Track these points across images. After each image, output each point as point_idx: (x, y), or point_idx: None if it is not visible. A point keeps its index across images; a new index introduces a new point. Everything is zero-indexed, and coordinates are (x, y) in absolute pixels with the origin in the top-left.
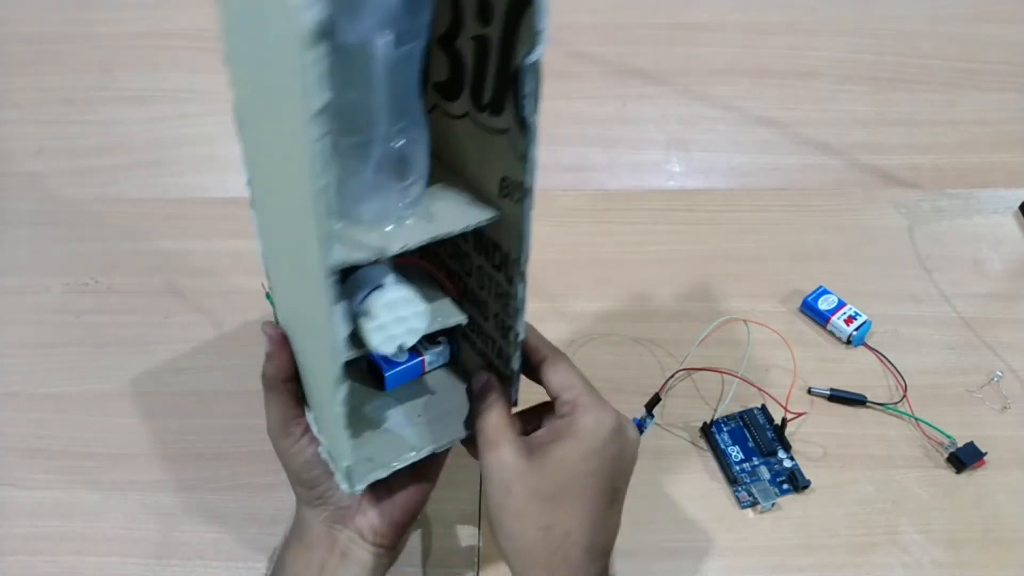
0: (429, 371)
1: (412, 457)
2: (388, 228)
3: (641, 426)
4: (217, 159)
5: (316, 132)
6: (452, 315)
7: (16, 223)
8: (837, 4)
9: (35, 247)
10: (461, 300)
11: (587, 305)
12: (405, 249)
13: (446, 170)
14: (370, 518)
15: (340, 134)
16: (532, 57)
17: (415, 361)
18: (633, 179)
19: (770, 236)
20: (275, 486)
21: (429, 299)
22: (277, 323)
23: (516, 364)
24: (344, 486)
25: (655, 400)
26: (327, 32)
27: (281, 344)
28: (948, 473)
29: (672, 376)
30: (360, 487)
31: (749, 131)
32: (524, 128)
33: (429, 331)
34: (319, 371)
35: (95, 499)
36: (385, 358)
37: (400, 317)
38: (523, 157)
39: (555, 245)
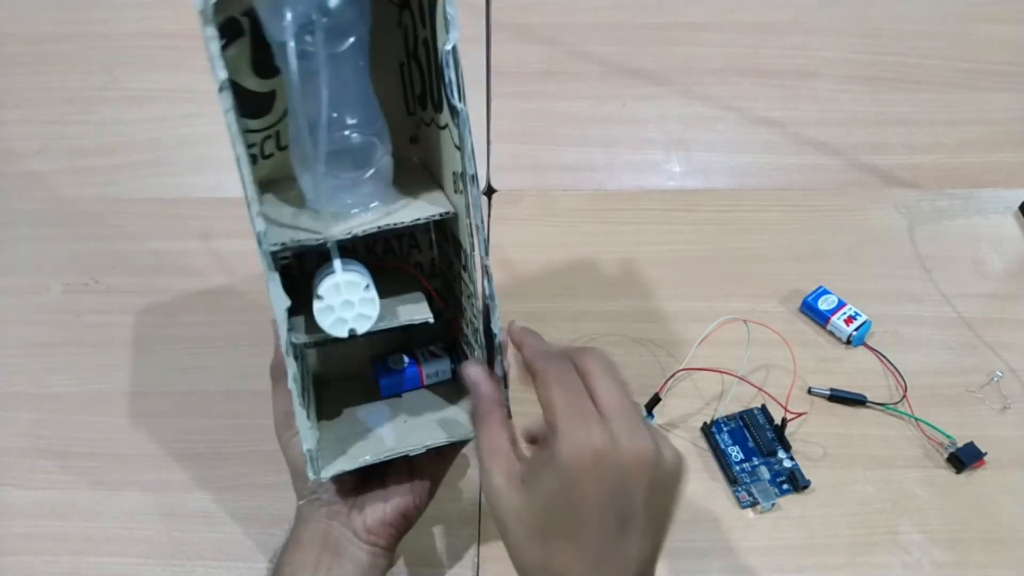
0: (430, 384)
1: (381, 456)
2: (347, 219)
3: None
4: (217, 159)
5: (224, 104)
6: (421, 312)
7: (16, 223)
8: (837, 4)
9: (35, 247)
10: (446, 307)
11: (587, 305)
12: (351, 235)
13: (427, 176)
14: (364, 516)
15: (299, 147)
16: (449, 43)
17: (411, 370)
18: (633, 179)
19: (770, 236)
20: (275, 486)
21: (401, 300)
22: None
23: (499, 370)
24: (309, 472)
25: (655, 400)
26: (212, 15)
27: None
28: (948, 473)
29: (672, 376)
30: (325, 475)
31: (749, 131)
32: (454, 114)
33: (392, 326)
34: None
35: (95, 499)
36: (385, 368)
37: (347, 301)
38: (459, 145)
39: (555, 245)
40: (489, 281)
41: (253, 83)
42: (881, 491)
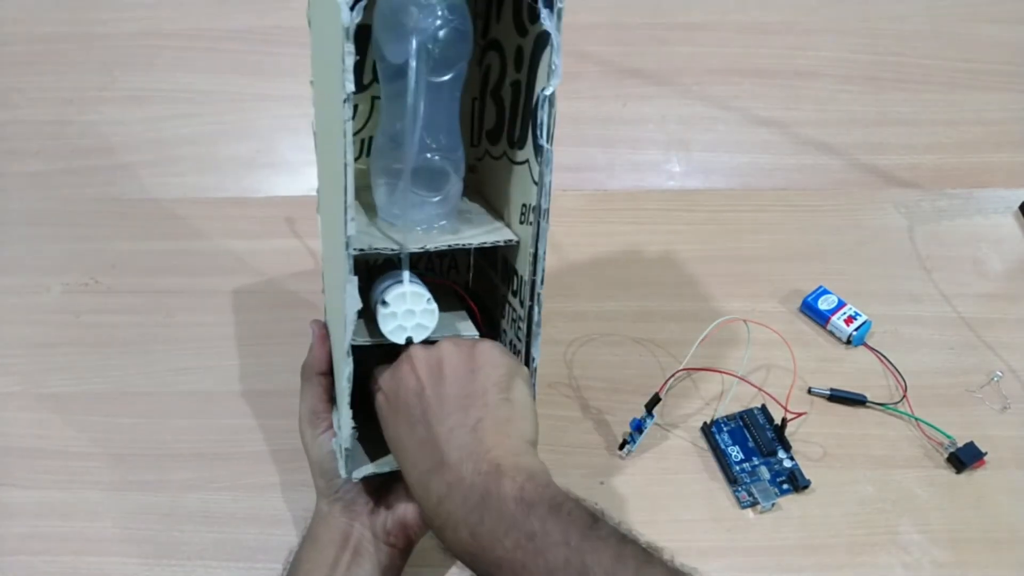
0: None
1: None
2: (417, 231)
3: (641, 426)
4: (217, 159)
5: (346, 114)
6: (467, 329)
7: (16, 223)
8: (837, 4)
9: (35, 247)
10: (484, 328)
11: (587, 305)
12: (424, 249)
13: (487, 205)
14: (382, 517)
15: (390, 160)
16: (549, 89)
17: None
18: (633, 179)
19: (770, 236)
20: (275, 486)
21: (452, 316)
22: (325, 322)
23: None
24: (342, 470)
25: (655, 400)
26: (358, 33)
27: (322, 338)
28: (948, 473)
29: (672, 376)
30: (357, 475)
31: (749, 131)
32: (539, 152)
33: (440, 336)
34: (338, 351)
35: (95, 499)
36: None
37: (410, 310)
38: (538, 181)
39: (555, 245)
40: (539, 308)
41: None
42: (881, 491)
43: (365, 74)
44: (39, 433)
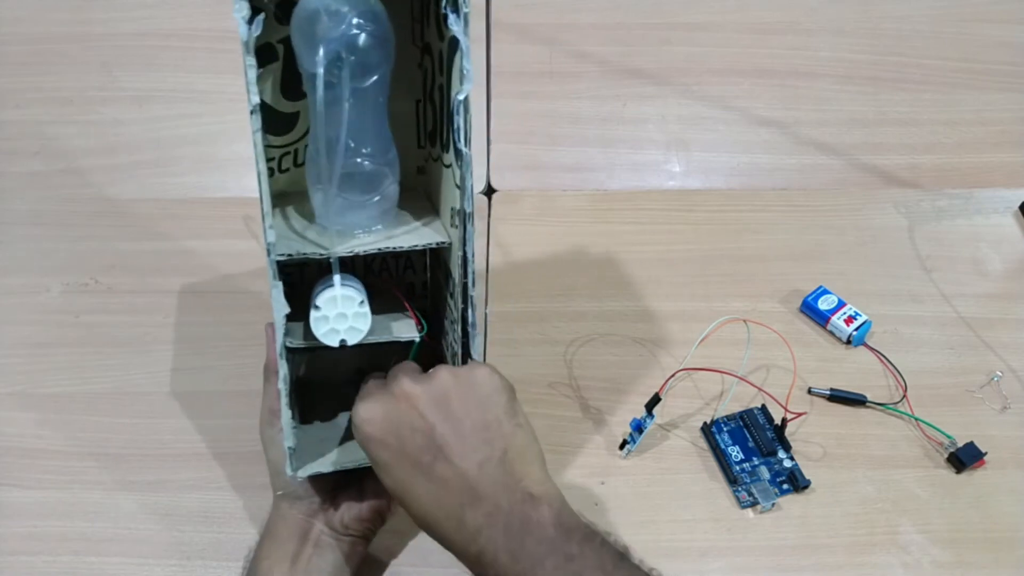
0: None
1: (356, 464)
2: (356, 235)
3: (641, 426)
4: (217, 159)
5: (254, 125)
6: (406, 330)
7: (16, 223)
8: (837, 4)
9: (35, 247)
10: (422, 327)
11: (587, 305)
12: (352, 253)
13: (430, 206)
14: (340, 514)
15: (315, 167)
16: (462, 94)
17: None
18: (633, 179)
19: (770, 236)
20: None
21: (389, 318)
22: None
23: None
24: (288, 469)
25: (655, 400)
26: (253, 45)
27: (273, 339)
28: (948, 473)
29: (672, 376)
30: (302, 475)
31: (749, 131)
32: (459, 157)
33: (380, 340)
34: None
35: (95, 499)
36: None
37: (341, 313)
38: (460, 185)
39: (555, 245)
40: (473, 310)
41: (280, 104)
42: (881, 491)
43: (304, 86)
44: (39, 433)
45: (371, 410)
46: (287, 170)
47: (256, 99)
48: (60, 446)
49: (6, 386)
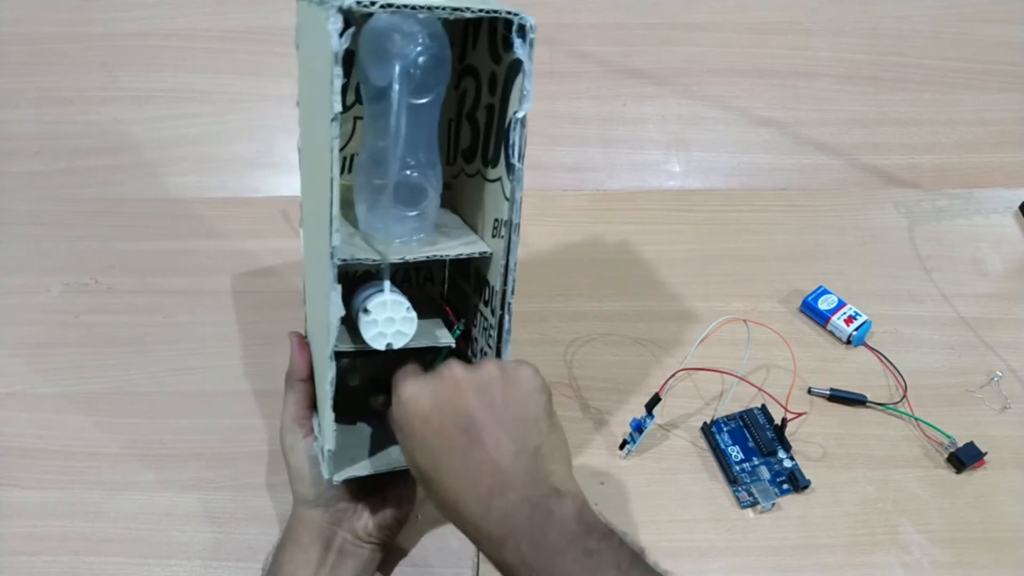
0: None
1: (390, 467)
2: (396, 244)
3: (641, 426)
4: (217, 159)
5: (333, 132)
6: (444, 336)
7: (16, 223)
8: (837, 4)
9: (35, 247)
10: (460, 337)
11: (587, 305)
12: (403, 260)
13: (461, 220)
14: (364, 520)
15: (372, 176)
16: (520, 113)
17: None
18: (633, 179)
19: (770, 236)
20: (275, 486)
21: (429, 324)
22: (305, 333)
23: None
24: (325, 472)
25: (655, 400)
26: (344, 58)
27: (300, 347)
28: (948, 473)
29: (672, 376)
30: (339, 478)
31: (749, 131)
32: (511, 171)
33: (419, 345)
34: (320, 357)
35: (95, 499)
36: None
37: (390, 318)
38: (510, 197)
39: (555, 245)
40: (510, 317)
41: None
42: (881, 491)
43: (348, 96)
44: (39, 433)
45: (419, 387)
46: None
47: (338, 107)
48: (60, 446)
49: (6, 386)
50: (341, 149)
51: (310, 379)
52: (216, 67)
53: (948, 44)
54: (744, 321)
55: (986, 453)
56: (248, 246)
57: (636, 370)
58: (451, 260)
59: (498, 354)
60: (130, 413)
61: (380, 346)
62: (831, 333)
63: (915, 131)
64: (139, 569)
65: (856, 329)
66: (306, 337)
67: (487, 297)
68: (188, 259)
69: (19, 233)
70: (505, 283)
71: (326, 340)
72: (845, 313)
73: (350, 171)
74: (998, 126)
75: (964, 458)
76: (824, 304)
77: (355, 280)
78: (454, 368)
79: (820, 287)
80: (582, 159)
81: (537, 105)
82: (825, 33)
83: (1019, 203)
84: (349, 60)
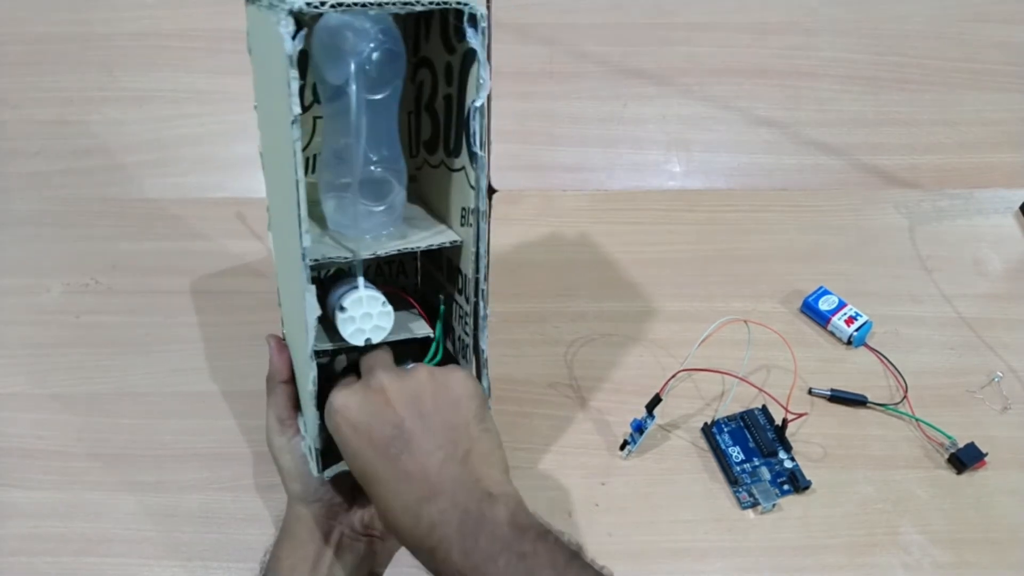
0: None
1: None
2: (366, 239)
3: (642, 427)
4: (217, 159)
5: (294, 134)
6: (420, 328)
7: (16, 223)
8: (837, 4)
9: (35, 247)
10: (432, 327)
11: (587, 305)
12: (375, 255)
13: (429, 211)
14: (360, 512)
15: (336, 174)
16: (478, 101)
17: None
18: (633, 179)
19: (770, 236)
20: (275, 486)
21: (404, 316)
22: (283, 335)
23: (484, 380)
24: (313, 469)
25: (656, 400)
26: (299, 59)
27: (279, 349)
28: (949, 474)
29: (673, 376)
30: (329, 474)
31: (749, 131)
32: (474, 159)
33: (398, 338)
34: (300, 357)
35: (95, 499)
36: None
37: (367, 313)
38: (475, 185)
39: (555, 245)
40: (485, 304)
41: None
42: (881, 492)
43: (305, 95)
44: (39, 433)
45: (347, 398)
46: None
47: (297, 110)
48: (60, 446)
49: (6, 386)
50: (303, 149)
51: (291, 380)
52: (216, 67)
53: (948, 44)
54: (745, 321)
55: (987, 454)
56: (248, 246)
57: (636, 370)
58: (422, 252)
59: (475, 341)
60: (130, 413)
61: (359, 342)
62: (832, 333)
63: (915, 131)
64: (139, 569)
65: (857, 329)
66: (284, 339)
67: (461, 285)
68: (188, 259)
69: (19, 233)
70: (478, 270)
71: (305, 341)
72: (846, 313)
73: (313, 171)
74: (998, 126)
75: (965, 459)
76: (825, 304)
77: (328, 279)
78: (382, 377)
79: (821, 287)
80: (582, 159)
81: (537, 105)
82: (825, 33)
83: (1019, 203)
84: (304, 60)
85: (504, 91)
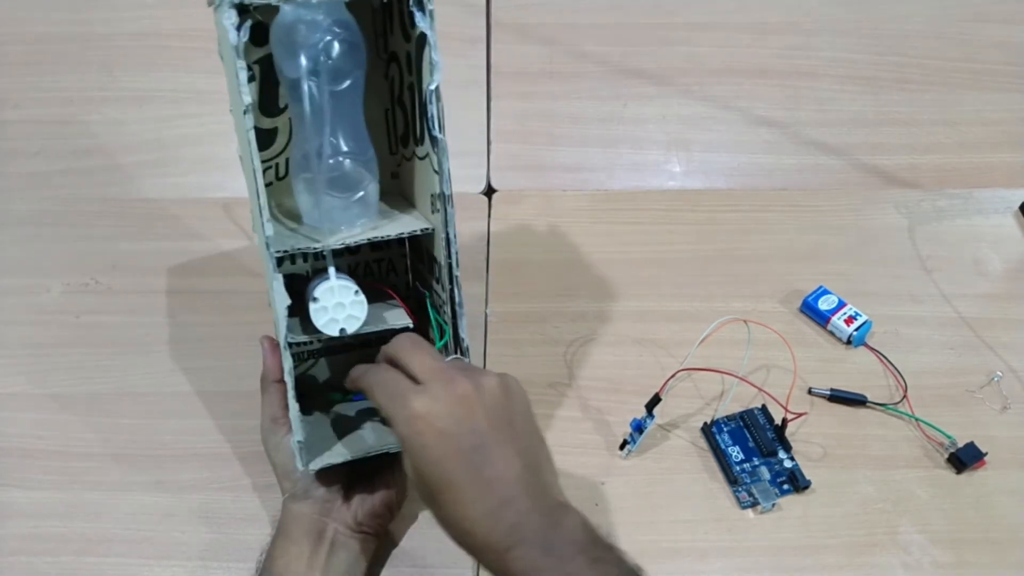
0: None
1: (363, 453)
2: (340, 231)
3: (641, 426)
4: (217, 159)
5: (248, 124)
6: (399, 318)
7: (16, 223)
8: (837, 4)
9: (35, 247)
10: (416, 319)
11: (587, 305)
12: (343, 244)
13: (405, 203)
14: (353, 509)
15: (307, 169)
16: (432, 84)
17: None
18: (633, 179)
19: (770, 236)
20: (275, 486)
21: (382, 307)
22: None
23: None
24: (298, 463)
25: (655, 400)
26: (246, 49)
27: (272, 349)
28: (948, 473)
29: (672, 376)
30: (314, 467)
31: (749, 131)
32: (435, 144)
33: (376, 330)
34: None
35: (95, 499)
36: None
37: (339, 303)
38: (438, 170)
39: (555, 245)
40: (459, 290)
41: (261, 121)
42: (881, 491)
43: (282, 98)
44: (39, 433)
45: (431, 404)
46: (270, 184)
47: (248, 99)
48: (60, 446)
49: (6, 386)
50: (281, 151)
51: (283, 380)
52: (216, 67)
53: (948, 44)
54: (744, 321)
55: (986, 453)
56: (248, 246)
57: (636, 370)
58: (410, 247)
59: (455, 329)
60: (130, 413)
61: (333, 332)
62: (831, 333)
63: (915, 131)
64: (139, 569)
65: (856, 329)
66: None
67: (437, 274)
68: (188, 259)
69: (19, 233)
70: (449, 256)
71: (278, 331)
72: (845, 313)
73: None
74: (998, 126)
75: (964, 458)
76: (824, 304)
77: (312, 278)
78: (464, 383)
79: (820, 287)
80: (582, 159)
81: (537, 105)
82: (825, 33)
83: (1019, 203)
84: (271, 63)
85: (504, 91)
